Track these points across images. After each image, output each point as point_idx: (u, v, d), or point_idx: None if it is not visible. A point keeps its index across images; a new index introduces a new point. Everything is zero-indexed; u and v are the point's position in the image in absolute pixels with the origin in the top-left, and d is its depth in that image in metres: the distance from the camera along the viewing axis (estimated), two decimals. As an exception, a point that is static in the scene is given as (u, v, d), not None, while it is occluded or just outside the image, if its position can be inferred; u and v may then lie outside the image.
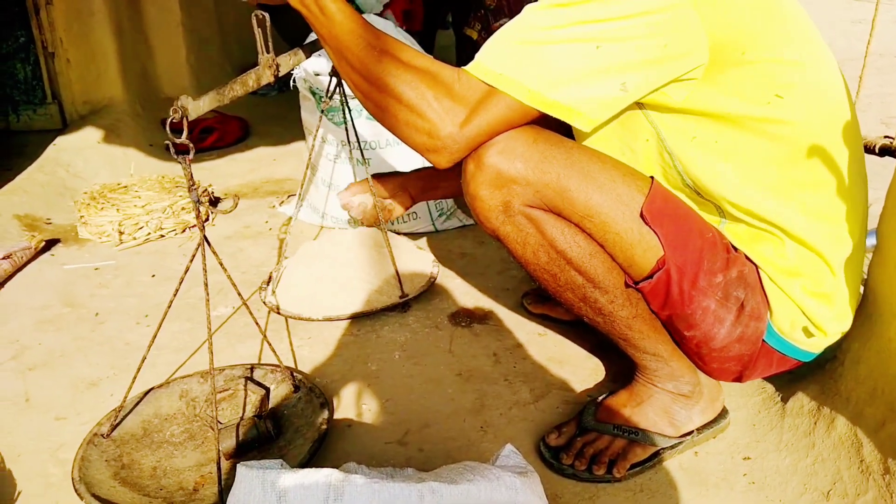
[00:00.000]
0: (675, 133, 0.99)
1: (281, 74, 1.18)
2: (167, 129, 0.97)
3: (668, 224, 1.00)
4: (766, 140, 0.96)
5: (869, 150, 1.65)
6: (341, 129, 1.96)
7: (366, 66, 0.98)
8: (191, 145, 0.96)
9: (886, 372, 0.98)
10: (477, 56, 0.95)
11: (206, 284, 1.05)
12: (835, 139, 0.99)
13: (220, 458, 1.05)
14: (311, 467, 0.87)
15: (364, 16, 1.08)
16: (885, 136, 1.66)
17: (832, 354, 1.11)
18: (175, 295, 1.11)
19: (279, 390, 1.28)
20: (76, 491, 1.04)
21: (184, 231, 2.07)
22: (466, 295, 1.65)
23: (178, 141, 0.95)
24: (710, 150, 0.98)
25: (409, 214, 2.00)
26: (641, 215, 0.99)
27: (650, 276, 1.02)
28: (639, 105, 0.99)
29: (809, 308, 1.04)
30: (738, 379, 1.13)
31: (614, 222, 0.99)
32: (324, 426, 1.16)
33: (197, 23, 3.32)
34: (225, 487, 1.03)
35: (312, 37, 1.43)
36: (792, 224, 1.00)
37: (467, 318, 1.54)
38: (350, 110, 1.57)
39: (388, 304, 1.55)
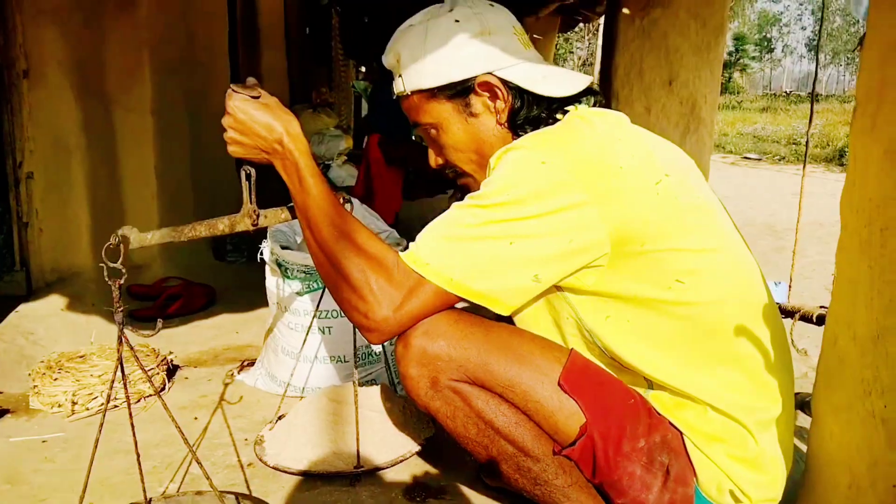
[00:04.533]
0: (589, 312, 1.07)
1: (261, 226, 1.21)
2: (102, 254, 1.01)
3: (588, 392, 1.06)
4: (674, 320, 1.04)
5: (807, 319, 1.73)
6: (304, 299, 2.01)
7: (326, 242, 1.07)
8: (123, 271, 1.02)
9: (834, 545, 0.97)
10: (411, 245, 1.05)
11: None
12: (747, 317, 1.06)
13: None
14: None
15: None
16: (821, 307, 1.74)
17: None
18: (90, 466, 1.12)
19: None
20: None
21: (138, 401, 2.04)
22: (423, 466, 1.62)
23: (111, 265, 1.00)
24: (623, 329, 1.06)
25: (371, 381, 2.00)
26: (560, 384, 1.05)
27: (574, 443, 1.05)
28: (557, 287, 1.08)
29: (734, 473, 1.06)
30: (684, 549, 1.11)
31: (534, 391, 1.05)
32: None
33: (172, 198, 3.45)
34: None
35: None
36: (710, 395, 1.06)
37: (422, 492, 1.51)
38: None
39: (336, 470, 1.52)
